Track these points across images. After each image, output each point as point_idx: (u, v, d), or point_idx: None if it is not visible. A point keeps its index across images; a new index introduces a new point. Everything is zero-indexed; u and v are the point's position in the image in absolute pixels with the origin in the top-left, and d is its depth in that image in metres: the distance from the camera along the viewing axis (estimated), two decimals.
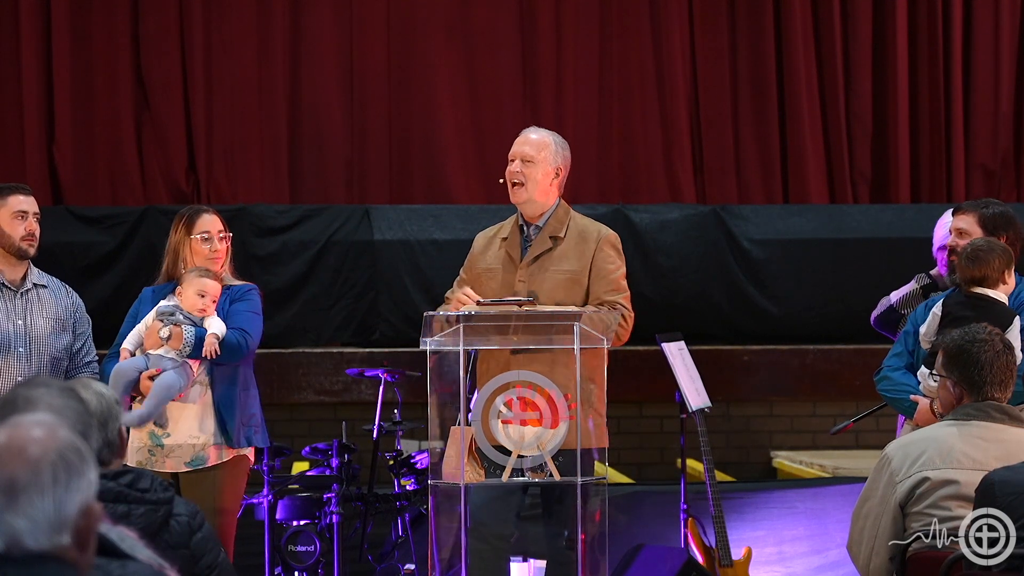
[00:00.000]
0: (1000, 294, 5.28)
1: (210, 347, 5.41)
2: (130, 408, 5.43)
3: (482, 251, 5.54)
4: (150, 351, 5.44)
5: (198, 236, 5.60)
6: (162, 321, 5.44)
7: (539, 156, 5.47)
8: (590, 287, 5.43)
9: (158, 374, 5.39)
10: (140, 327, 5.51)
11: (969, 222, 5.56)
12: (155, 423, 5.44)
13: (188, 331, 5.42)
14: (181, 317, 5.44)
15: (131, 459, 5.42)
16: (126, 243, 9.00)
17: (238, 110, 9.71)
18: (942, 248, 5.89)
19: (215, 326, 5.46)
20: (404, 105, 9.81)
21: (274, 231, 9.16)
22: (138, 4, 9.61)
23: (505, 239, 5.50)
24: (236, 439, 5.51)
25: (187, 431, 5.48)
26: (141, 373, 5.40)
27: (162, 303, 5.50)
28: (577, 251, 5.44)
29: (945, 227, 5.91)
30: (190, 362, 5.46)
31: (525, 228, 5.51)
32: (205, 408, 5.51)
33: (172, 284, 5.62)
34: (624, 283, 5.49)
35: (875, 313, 6.20)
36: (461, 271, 5.60)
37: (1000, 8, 10.01)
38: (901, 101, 9.89)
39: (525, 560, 5.15)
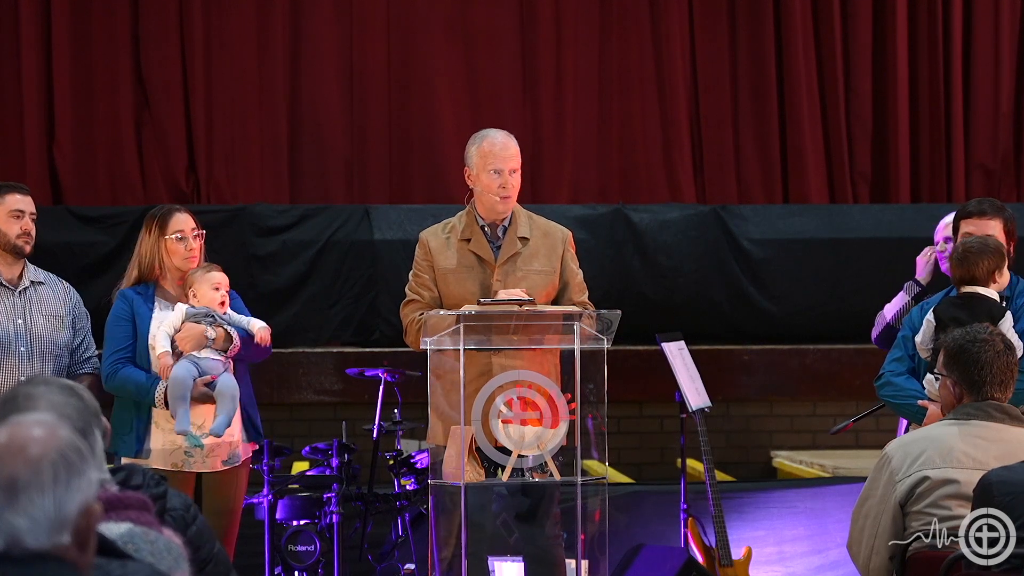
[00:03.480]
0: (991, 291, 5.29)
1: (265, 339, 5.58)
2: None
3: (439, 251, 5.49)
4: (194, 353, 5.45)
5: (172, 236, 5.60)
6: (199, 322, 5.47)
7: (519, 163, 5.50)
8: (564, 289, 5.48)
9: (213, 380, 5.45)
10: (167, 329, 5.51)
11: (997, 228, 5.57)
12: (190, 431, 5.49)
13: (233, 331, 5.52)
14: (219, 319, 5.50)
15: (164, 462, 5.45)
16: (126, 243, 8.97)
17: (238, 110, 9.70)
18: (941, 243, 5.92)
19: (256, 321, 5.60)
20: (404, 105, 9.81)
21: (274, 231, 9.16)
22: (138, 4, 9.61)
23: (468, 240, 5.46)
24: (263, 434, 5.73)
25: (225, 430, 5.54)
26: (196, 380, 5.43)
27: (187, 307, 5.51)
28: (546, 250, 5.47)
29: (946, 228, 5.92)
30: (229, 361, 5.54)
31: (488, 229, 5.49)
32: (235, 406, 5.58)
33: (152, 285, 5.62)
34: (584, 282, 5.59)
35: (875, 333, 6.21)
36: (417, 270, 5.50)
37: (1000, 8, 10.01)
38: (901, 101, 9.89)
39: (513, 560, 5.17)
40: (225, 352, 5.50)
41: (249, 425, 5.62)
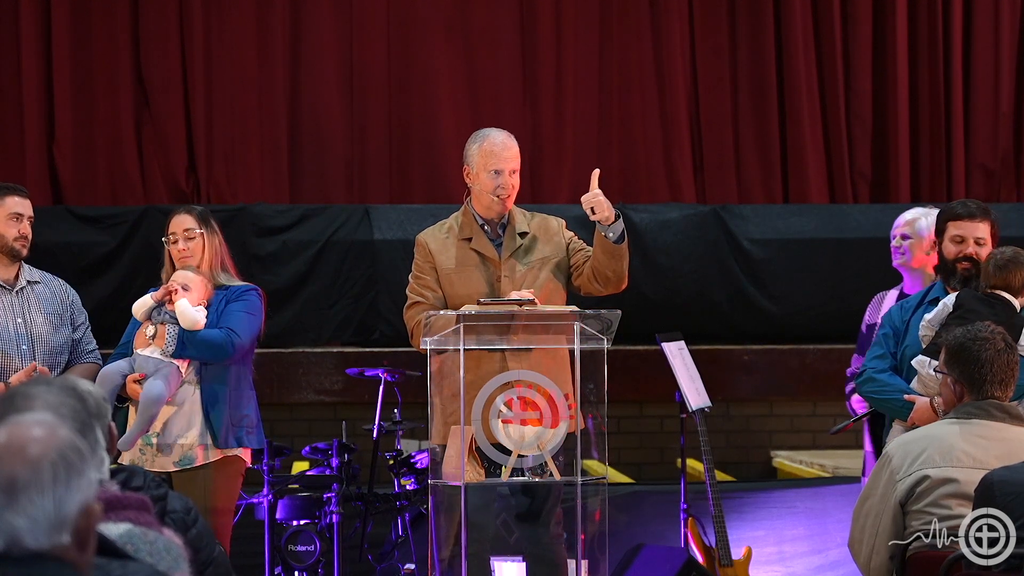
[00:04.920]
0: (1016, 302, 5.31)
1: (188, 325, 5.43)
2: (115, 409, 5.44)
3: (440, 252, 5.48)
4: (138, 351, 5.46)
5: (167, 239, 5.66)
6: (150, 320, 5.47)
7: (519, 163, 5.50)
8: (575, 262, 5.50)
9: (142, 379, 5.41)
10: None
11: (986, 231, 5.59)
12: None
13: (171, 330, 5.43)
14: (167, 316, 5.46)
15: (124, 458, 5.44)
16: (126, 243, 9.01)
17: (238, 110, 9.71)
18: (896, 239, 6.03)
19: (183, 306, 5.44)
20: (404, 105, 9.81)
21: (274, 231, 9.16)
22: (138, 4, 9.61)
23: (468, 239, 5.46)
24: (223, 440, 5.50)
25: (175, 431, 5.49)
26: (126, 377, 5.42)
27: (138, 300, 5.55)
28: (545, 240, 5.50)
29: (905, 225, 5.99)
30: (177, 362, 5.47)
31: (488, 227, 5.49)
32: (193, 408, 5.51)
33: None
34: None
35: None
36: (417, 271, 5.48)
37: (1000, 8, 10.01)
38: (901, 101, 9.89)
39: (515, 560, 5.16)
40: (168, 353, 5.46)
41: (209, 430, 5.50)
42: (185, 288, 5.48)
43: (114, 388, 5.39)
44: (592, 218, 5.35)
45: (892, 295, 6.19)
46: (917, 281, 6.07)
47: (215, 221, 5.76)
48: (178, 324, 5.44)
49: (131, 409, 5.52)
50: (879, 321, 6.05)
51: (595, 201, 5.33)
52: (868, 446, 6.15)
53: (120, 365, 5.45)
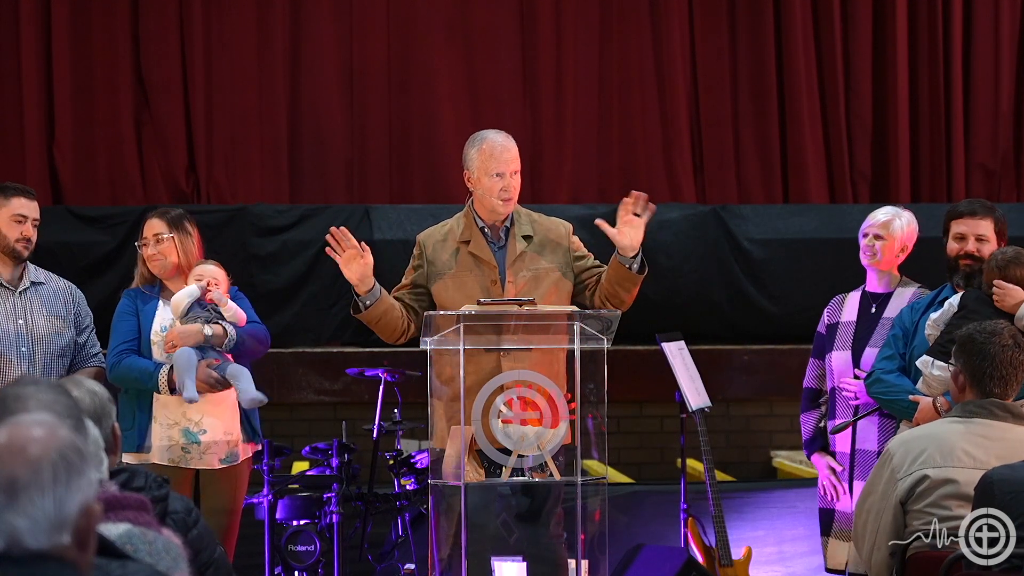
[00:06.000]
0: None
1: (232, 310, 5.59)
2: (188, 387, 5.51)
3: (436, 253, 5.48)
4: (188, 348, 5.50)
5: (139, 242, 5.71)
6: (198, 320, 5.50)
7: (519, 164, 5.47)
8: (598, 276, 5.50)
9: (216, 364, 5.53)
10: (166, 324, 5.58)
11: (988, 228, 5.61)
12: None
13: (230, 328, 5.52)
14: (213, 314, 5.53)
15: (162, 457, 5.46)
16: (126, 243, 8.98)
17: (238, 110, 9.70)
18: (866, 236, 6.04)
19: (233, 305, 5.59)
20: (404, 105, 9.80)
21: (274, 231, 9.15)
22: (138, 4, 9.60)
23: (467, 242, 5.45)
24: (261, 435, 5.74)
25: (222, 428, 5.56)
26: (200, 361, 5.48)
27: (185, 297, 5.57)
28: (551, 248, 5.48)
29: (881, 227, 5.97)
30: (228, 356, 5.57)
31: (488, 231, 5.48)
32: (234, 405, 5.58)
33: (158, 285, 5.70)
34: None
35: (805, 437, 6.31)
36: (406, 272, 5.53)
37: (1000, 8, 10.01)
38: (901, 101, 9.89)
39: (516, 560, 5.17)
40: (221, 348, 5.54)
41: (247, 425, 5.63)
42: (217, 283, 5.59)
43: (194, 367, 5.45)
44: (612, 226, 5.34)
45: (854, 296, 6.19)
46: (883, 281, 6.08)
47: (191, 223, 5.79)
48: (223, 319, 5.51)
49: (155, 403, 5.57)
50: (840, 321, 6.09)
51: (638, 231, 5.29)
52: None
53: (194, 351, 5.50)
